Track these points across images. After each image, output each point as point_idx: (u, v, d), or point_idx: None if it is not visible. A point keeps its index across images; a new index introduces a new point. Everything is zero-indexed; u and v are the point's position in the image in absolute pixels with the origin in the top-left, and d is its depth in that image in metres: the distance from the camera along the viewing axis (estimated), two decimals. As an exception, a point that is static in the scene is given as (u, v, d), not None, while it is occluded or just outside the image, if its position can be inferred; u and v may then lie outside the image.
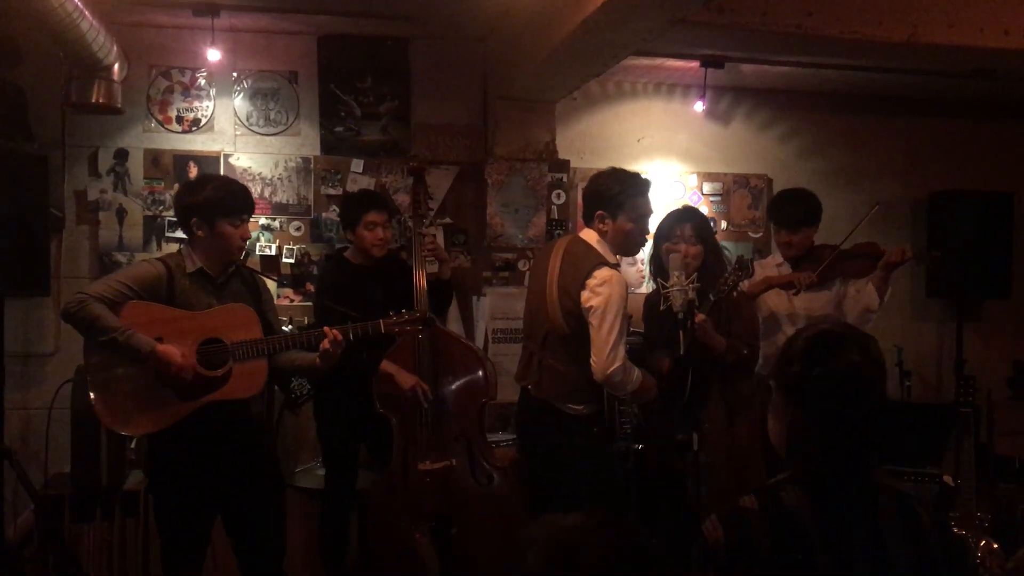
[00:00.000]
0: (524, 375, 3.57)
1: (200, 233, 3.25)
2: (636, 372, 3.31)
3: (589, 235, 3.42)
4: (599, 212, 3.38)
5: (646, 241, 3.58)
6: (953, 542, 1.80)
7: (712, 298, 3.51)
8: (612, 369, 3.19)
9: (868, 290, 3.95)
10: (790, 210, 4.13)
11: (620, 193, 3.35)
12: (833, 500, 1.70)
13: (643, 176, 3.48)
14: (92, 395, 3.16)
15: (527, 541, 1.34)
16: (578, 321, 3.29)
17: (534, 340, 3.52)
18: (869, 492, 1.74)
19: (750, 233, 5.54)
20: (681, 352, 3.27)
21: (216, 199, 3.26)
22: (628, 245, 3.46)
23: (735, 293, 3.59)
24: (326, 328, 3.26)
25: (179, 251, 3.35)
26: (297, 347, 3.34)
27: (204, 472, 3.24)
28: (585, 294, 3.26)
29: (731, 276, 3.52)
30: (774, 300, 3.99)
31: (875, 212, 4.28)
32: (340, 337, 3.23)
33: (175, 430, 3.16)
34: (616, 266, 3.37)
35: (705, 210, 5.50)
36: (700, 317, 3.42)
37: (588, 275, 3.26)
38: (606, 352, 3.19)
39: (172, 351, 3.11)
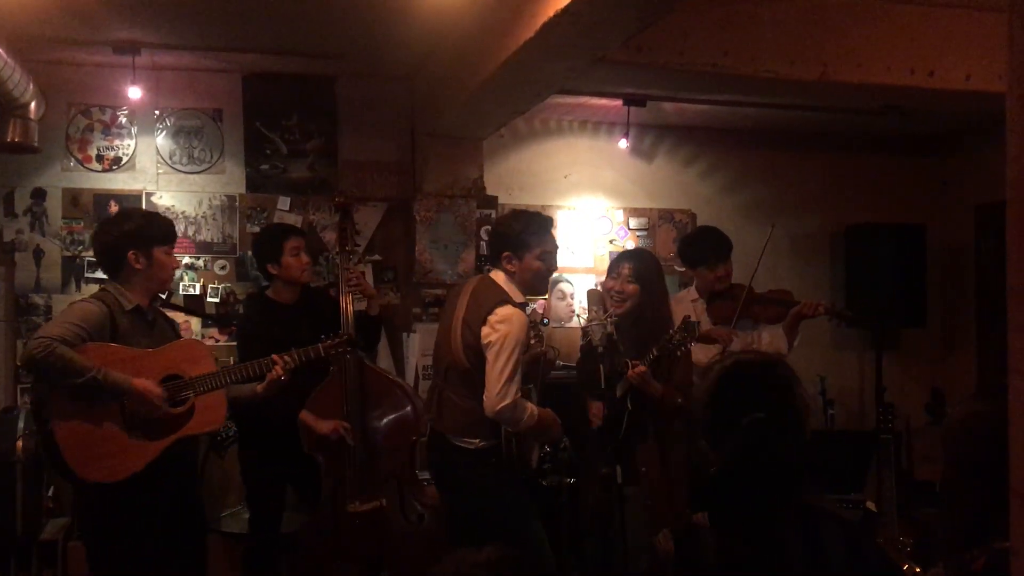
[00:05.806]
0: (428, 408, 3.62)
1: (139, 265, 3.22)
2: (529, 410, 3.32)
3: (497, 275, 3.47)
4: (505, 253, 3.42)
5: (550, 277, 3.61)
6: (889, 565, 1.85)
7: (655, 353, 3.49)
8: (501, 406, 3.22)
9: (779, 334, 4.19)
10: (722, 241, 4.34)
11: (523, 232, 3.40)
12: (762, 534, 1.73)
13: (544, 215, 3.55)
14: (60, 444, 3.01)
15: None
16: (477, 356, 3.32)
17: (438, 374, 3.57)
18: (809, 519, 1.77)
19: (676, 267, 5.62)
20: (602, 386, 3.30)
21: (148, 228, 3.28)
22: (536, 283, 3.51)
23: (679, 352, 3.55)
24: (275, 356, 3.37)
25: (106, 290, 3.25)
26: (251, 376, 3.37)
27: (153, 516, 3.16)
28: (485, 330, 3.29)
29: (676, 335, 3.47)
30: (696, 353, 4.04)
31: (772, 233, 4.55)
32: (290, 362, 3.39)
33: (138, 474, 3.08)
34: (522, 305, 3.42)
35: (631, 245, 5.59)
36: (640, 368, 3.45)
37: (490, 311, 3.30)
38: (497, 388, 3.22)
39: (150, 385, 3.08)
